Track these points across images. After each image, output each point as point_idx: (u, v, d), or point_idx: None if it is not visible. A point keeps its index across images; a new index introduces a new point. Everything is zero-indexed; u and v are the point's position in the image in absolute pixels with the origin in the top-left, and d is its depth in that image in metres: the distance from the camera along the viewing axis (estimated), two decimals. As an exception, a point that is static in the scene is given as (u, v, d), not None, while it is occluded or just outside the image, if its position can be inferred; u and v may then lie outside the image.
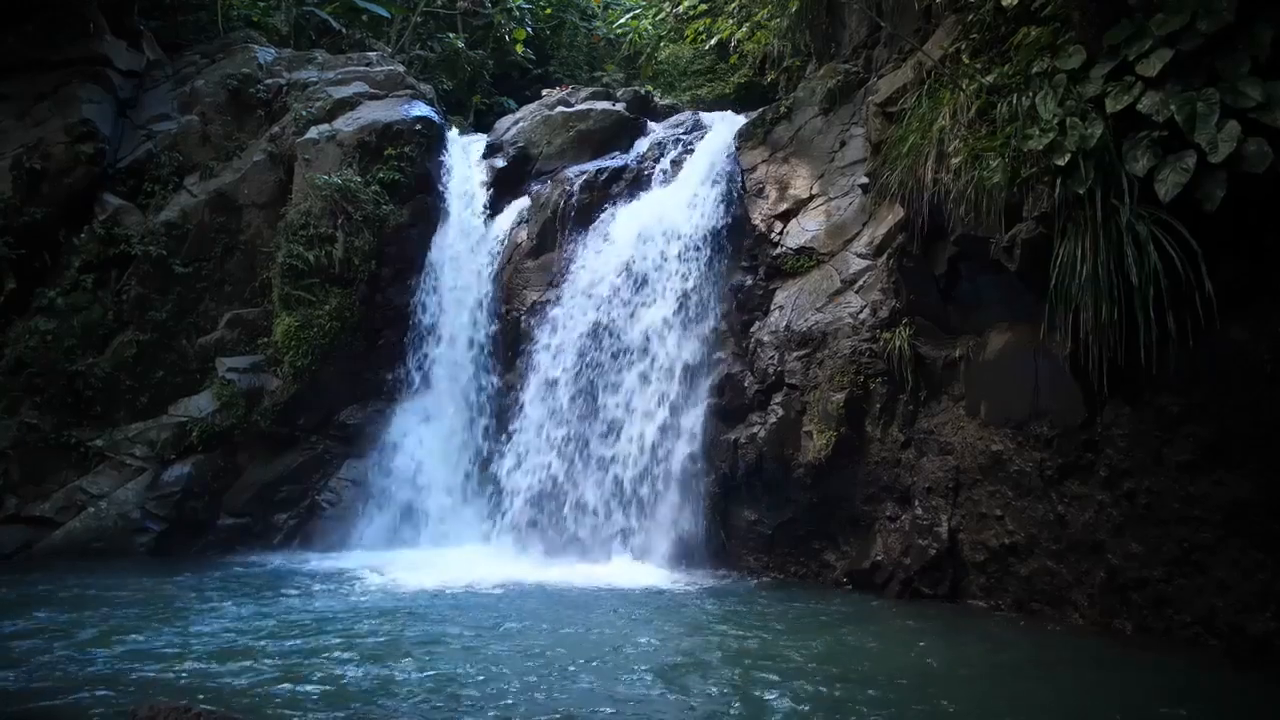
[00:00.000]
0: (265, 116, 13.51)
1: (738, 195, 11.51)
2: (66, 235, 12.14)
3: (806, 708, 5.82)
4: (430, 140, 13.11)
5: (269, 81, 13.77)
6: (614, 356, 11.56)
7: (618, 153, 13.23)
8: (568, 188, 12.59)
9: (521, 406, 11.89)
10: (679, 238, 11.59)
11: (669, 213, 11.80)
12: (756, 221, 10.97)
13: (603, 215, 12.40)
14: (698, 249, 11.47)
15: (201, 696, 5.80)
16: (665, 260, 11.60)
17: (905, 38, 10.20)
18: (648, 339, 11.37)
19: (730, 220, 11.47)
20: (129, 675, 6.35)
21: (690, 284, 11.34)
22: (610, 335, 11.61)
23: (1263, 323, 6.50)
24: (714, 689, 6.23)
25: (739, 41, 15.20)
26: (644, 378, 11.26)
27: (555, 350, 11.85)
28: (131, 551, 11.22)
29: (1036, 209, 7.28)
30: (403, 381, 12.57)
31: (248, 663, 6.65)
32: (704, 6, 16.94)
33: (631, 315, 11.57)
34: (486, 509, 11.76)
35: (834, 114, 11.55)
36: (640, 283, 11.66)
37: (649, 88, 16.64)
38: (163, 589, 9.31)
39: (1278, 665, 6.42)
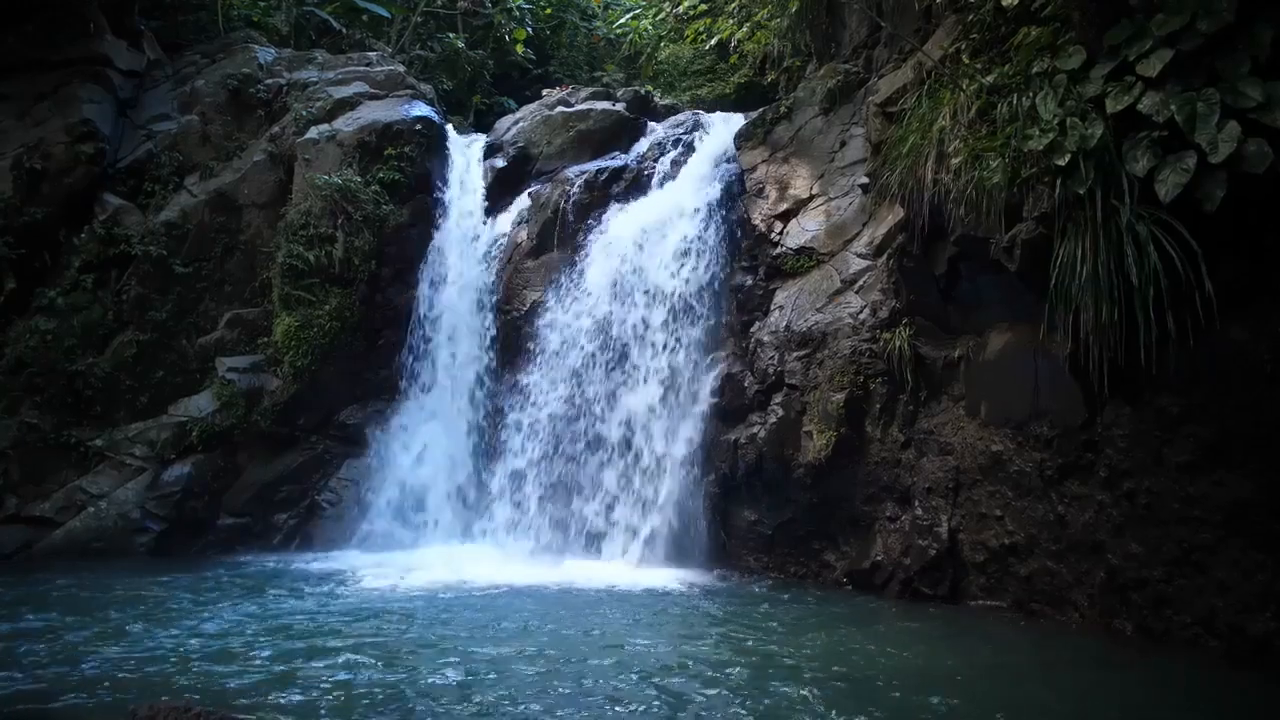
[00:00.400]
0: (265, 116, 13.51)
1: (738, 232, 11.23)
2: (66, 235, 12.13)
3: (808, 711, 5.82)
4: (430, 140, 13.11)
5: (269, 81, 13.76)
6: (589, 447, 11.06)
7: (618, 153, 13.22)
8: (568, 188, 12.60)
9: (490, 504, 11.64)
10: (664, 300, 11.19)
11: (650, 268, 11.40)
12: (756, 222, 10.97)
13: (581, 251, 12.16)
14: (690, 308, 11.06)
15: (201, 696, 5.80)
16: (648, 328, 11.20)
17: (905, 38, 10.19)
18: (630, 428, 10.96)
19: (726, 273, 11.06)
20: (128, 675, 6.34)
21: (680, 357, 10.94)
22: (585, 416, 11.14)
23: (1263, 323, 6.50)
24: (716, 691, 6.22)
25: (739, 41, 15.20)
26: (625, 479, 10.87)
27: (526, 431, 11.54)
28: (131, 551, 11.21)
29: (1037, 209, 7.28)
30: (403, 383, 12.56)
31: (248, 663, 6.65)
32: (704, 6, 16.95)
33: (611, 395, 11.14)
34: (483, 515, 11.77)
35: (834, 114, 11.55)
36: (619, 356, 11.25)
37: (649, 88, 16.63)
38: (162, 589, 9.30)
39: (1278, 666, 6.41)
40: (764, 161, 11.46)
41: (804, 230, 10.69)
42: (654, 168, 12.61)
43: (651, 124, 13.84)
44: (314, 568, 10.64)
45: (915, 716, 5.82)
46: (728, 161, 11.96)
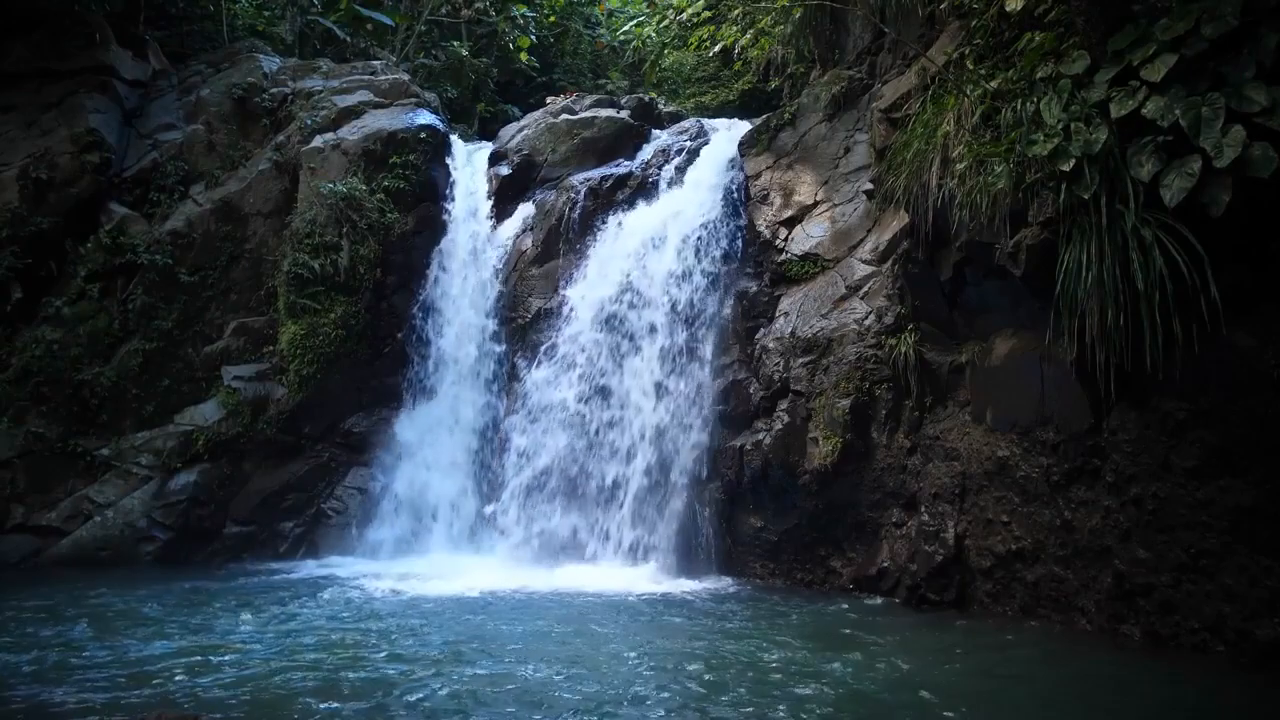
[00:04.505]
0: (270, 125, 13.55)
1: (742, 238, 11.21)
2: (73, 244, 12.18)
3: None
4: (435, 148, 13.15)
5: (274, 90, 13.80)
6: (594, 453, 11.04)
7: (622, 160, 13.23)
8: (573, 195, 12.61)
9: (495, 511, 11.64)
10: (668, 306, 11.22)
11: (655, 274, 11.43)
12: (761, 228, 10.97)
13: (586, 258, 12.20)
14: (695, 314, 11.02)
15: (205, 705, 5.80)
16: (653, 334, 11.19)
17: (909, 44, 10.20)
18: (634, 435, 10.99)
19: (731, 280, 11.10)
20: (134, 684, 6.35)
21: (685, 364, 10.93)
22: (590, 423, 11.17)
23: (1269, 328, 6.48)
24: (726, 700, 6.20)
25: (743, 48, 15.19)
26: (630, 486, 10.84)
27: (531, 438, 11.54)
28: (138, 560, 11.24)
29: (1041, 214, 7.27)
30: (408, 391, 12.57)
31: (253, 671, 6.65)
32: (708, 13, 16.96)
33: (616, 401, 11.18)
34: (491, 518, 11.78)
35: (838, 120, 11.56)
36: (624, 362, 11.27)
37: (653, 95, 16.65)
38: (168, 598, 9.31)
39: (1286, 671, 6.39)
40: (768, 168, 11.47)
41: (809, 236, 10.69)
42: (658, 175, 12.62)
43: (655, 131, 13.85)
44: (319, 576, 10.64)
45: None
46: (732, 168, 11.96)
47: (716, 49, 16.27)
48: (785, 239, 10.82)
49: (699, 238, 11.47)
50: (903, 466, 9.22)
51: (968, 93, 8.16)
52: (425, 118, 13.30)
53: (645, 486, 10.77)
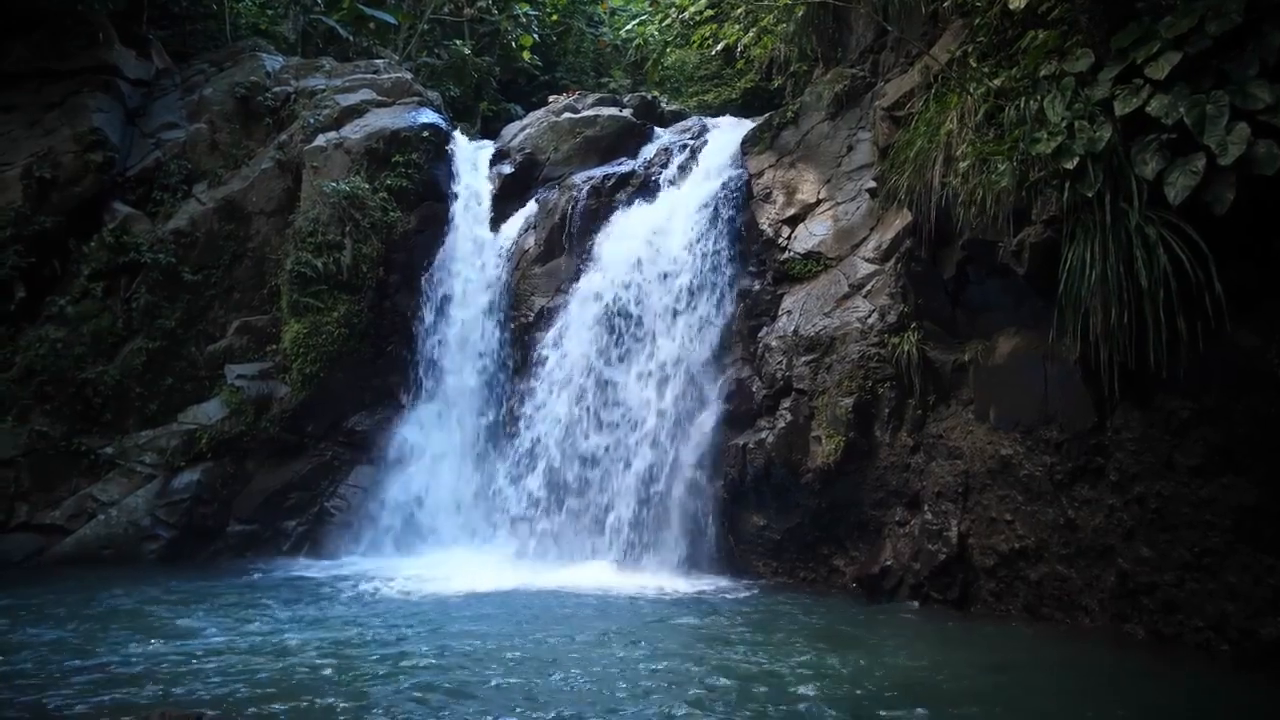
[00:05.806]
0: (273, 124, 13.56)
1: (745, 236, 11.23)
2: (76, 243, 12.19)
3: None
4: (438, 147, 13.15)
5: (276, 89, 13.80)
6: (596, 452, 11.11)
7: (624, 158, 13.24)
8: (575, 193, 12.61)
9: (497, 510, 11.80)
10: (671, 304, 11.25)
11: (657, 274, 11.50)
12: (764, 226, 10.97)
13: (589, 257, 12.25)
14: (697, 313, 11.10)
15: (209, 704, 5.81)
16: (656, 334, 11.21)
17: (912, 42, 10.19)
18: (637, 434, 11.03)
19: (733, 278, 11.13)
20: (138, 683, 6.35)
21: (688, 362, 10.92)
22: (593, 422, 11.24)
23: (1272, 325, 6.47)
24: (727, 699, 6.20)
25: (745, 47, 15.16)
26: (632, 485, 10.86)
27: (533, 437, 11.62)
28: (142, 558, 11.25)
29: (1045, 212, 7.26)
30: (411, 390, 12.57)
31: (254, 669, 6.65)
32: (710, 12, 16.92)
33: (618, 401, 11.20)
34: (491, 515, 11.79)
35: (841, 118, 11.55)
36: (627, 362, 11.30)
37: (655, 93, 16.66)
38: (172, 597, 9.32)
39: (1291, 670, 6.38)
40: (771, 166, 11.46)
41: (811, 235, 10.69)
42: (661, 173, 12.62)
43: (658, 129, 13.87)
44: (322, 574, 10.65)
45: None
46: (734, 167, 11.95)
47: (719, 47, 16.24)
48: (788, 237, 10.81)
49: (701, 236, 11.45)
50: (906, 465, 9.21)
51: (971, 91, 8.14)
52: (428, 116, 13.31)
53: (647, 486, 10.75)
